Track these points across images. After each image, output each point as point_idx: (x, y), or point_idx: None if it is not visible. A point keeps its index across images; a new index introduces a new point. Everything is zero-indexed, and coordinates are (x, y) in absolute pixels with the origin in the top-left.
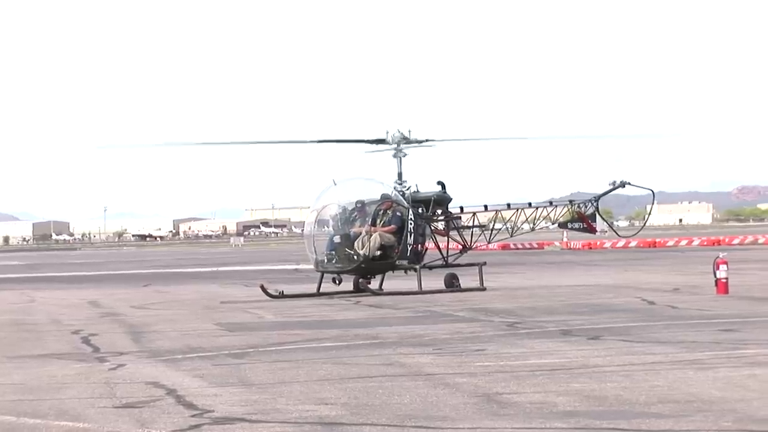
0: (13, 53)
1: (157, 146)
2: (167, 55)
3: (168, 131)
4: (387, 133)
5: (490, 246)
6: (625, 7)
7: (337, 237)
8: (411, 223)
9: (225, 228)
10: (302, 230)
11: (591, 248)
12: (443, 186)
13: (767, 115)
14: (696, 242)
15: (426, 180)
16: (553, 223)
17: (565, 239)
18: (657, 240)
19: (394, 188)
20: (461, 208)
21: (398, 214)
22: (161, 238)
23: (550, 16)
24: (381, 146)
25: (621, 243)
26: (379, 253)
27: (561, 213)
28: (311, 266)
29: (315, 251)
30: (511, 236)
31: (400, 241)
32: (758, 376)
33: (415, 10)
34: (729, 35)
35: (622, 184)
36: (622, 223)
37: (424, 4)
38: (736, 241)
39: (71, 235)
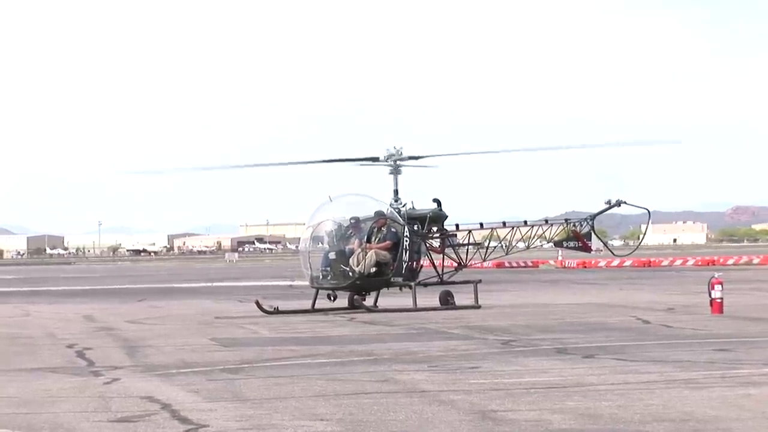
0: (6, 67)
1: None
2: (163, 73)
3: (164, 146)
4: (386, 150)
5: (485, 264)
6: (621, 34)
7: (333, 253)
8: (406, 241)
9: (220, 244)
10: (297, 246)
11: (586, 267)
12: (439, 203)
13: (762, 136)
14: (690, 262)
15: (422, 197)
16: (548, 242)
17: (560, 258)
18: (652, 259)
19: (390, 205)
20: (457, 226)
21: (393, 230)
22: (156, 253)
23: (545, 36)
24: (377, 163)
25: (616, 262)
26: (374, 270)
27: (556, 231)
28: (306, 282)
29: (310, 267)
30: (506, 254)
31: (395, 258)
32: (753, 395)
33: (405, 30)
34: (721, 60)
35: (618, 203)
36: (617, 243)
37: (414, 25)
38: (730, 262)
39: (65, 249)
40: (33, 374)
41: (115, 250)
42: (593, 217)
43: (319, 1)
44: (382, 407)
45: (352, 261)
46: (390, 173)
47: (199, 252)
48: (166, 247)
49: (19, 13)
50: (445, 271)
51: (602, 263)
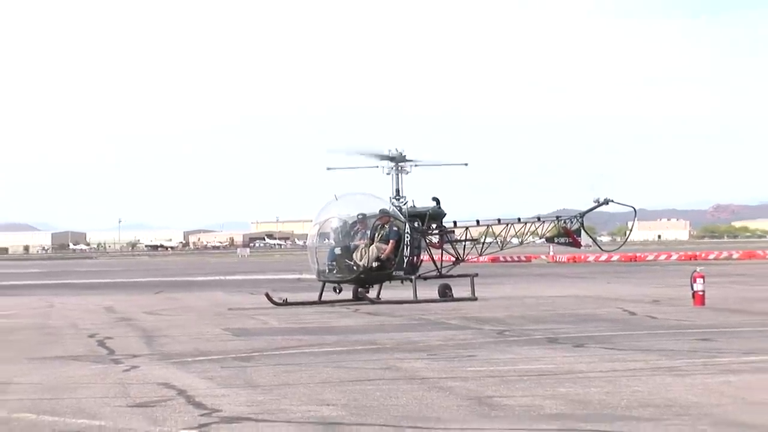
0: (33, 72)
1: None
2: (173, 79)
3: (180, 148)
4: (388, 152)
5: (481, 258)
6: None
7: (338, 249)
8: (407, 237)
9: (232, 240)
10: (305, 242)
11: (576, 261)
12: (438, 202)
13: (742, 139)
14: (674, 257)
15: (422, 196)
16: (540, 238)
17: (551, 253)
18: (637, 254)
19: (392, 203)
20: (455, 223)
21: (395, 228)
22: (172, 248)
23: (535, 42)
24: (381, 164)
25: (604, 257)
26: (376, 264)
27: (548, 228)
28: (313, 276)
29: (317, 262)
30: (501, 249)
31: (396, 253)
32: (733, 382)
33: (408, 39)
34: (703, 65)
35: (606, 202)
36: (605, 239)
37: (415, 34)
38: (711, 257)
39: (88, 244)
40: (57, 362)
41: (134, 245)
42: (583, 214)
43: (329, 10)
44: (385, 393)
45: (356, 256)
46: (388, 174)
47: (213, 247)
48: (181, 242)
49: (38, 11)
50: (443, 265)
51: (591, 258)
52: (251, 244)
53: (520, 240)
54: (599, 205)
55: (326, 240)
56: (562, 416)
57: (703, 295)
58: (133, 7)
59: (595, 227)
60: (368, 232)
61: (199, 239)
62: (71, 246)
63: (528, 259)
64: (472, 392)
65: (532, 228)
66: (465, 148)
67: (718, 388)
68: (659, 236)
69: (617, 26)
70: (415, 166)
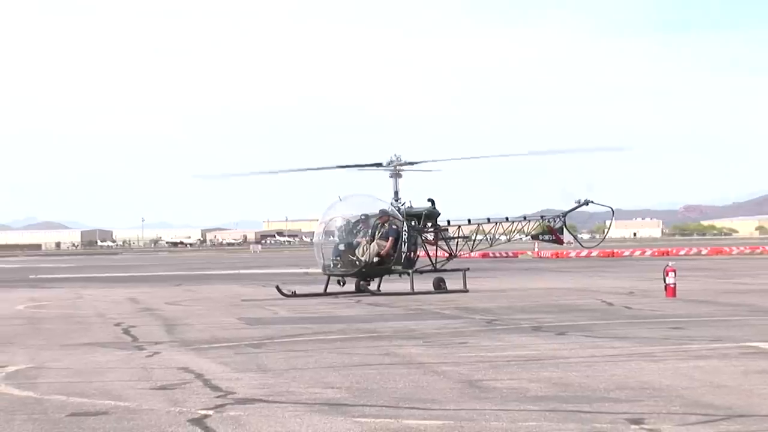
0: (56, 81)
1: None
2: (190, 89)
3: (193, 154)
4: (388, 157)
5: (472, 254)
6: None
7: (342, 245)
8: (405, 234)
9: (245, 237)
10: (312, 239)
11: (558, 257)
12: (433, 203)
13: (710, 146)
14: (648, 253)
15: (418, 197)
16: (526, 235)
17: (536, 249)
18: (615, 251)
19: (391, 204)
20: (448, 222)
21: (394, 227)
22: (191, 245)
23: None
24: (380, 168)
25: (584, 253)
26: (377, 259)
27: (533, 226)
28: (319, 270)
29: (323, 257)
30: (491, 246)
31: (395, 249)
32: (702, 367)
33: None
34: (674, 78)
35: (586, 203)
36: (585, 236)
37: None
38: (682, 252)
39: (114, 241)
40: (85, 348)
41: (156, 242)
42: (565, 214)
43: (337, 16)
44: (384, 377)
45: (359, 252)
46: (390, 176)
47: (228, 244)
48: (199, 239)
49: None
50: (438, 260)
51: (572, 254)
52: (263, 241)
53: (507, 237)
54: (580, 205)
55: (331, 237)
56: (545, 398)
57: (675, 288)
58: (166, 17)
59: (576, 226)
60: (369, 230)
61: (215, 236)
62: (99, 243)
63: (515, 255)
64: (464, 376)
65: (519, 226)
66: (462, 152)
67: (689, 372)
68: (635, 234)
69: (599, 43)
70: (403, 170)
